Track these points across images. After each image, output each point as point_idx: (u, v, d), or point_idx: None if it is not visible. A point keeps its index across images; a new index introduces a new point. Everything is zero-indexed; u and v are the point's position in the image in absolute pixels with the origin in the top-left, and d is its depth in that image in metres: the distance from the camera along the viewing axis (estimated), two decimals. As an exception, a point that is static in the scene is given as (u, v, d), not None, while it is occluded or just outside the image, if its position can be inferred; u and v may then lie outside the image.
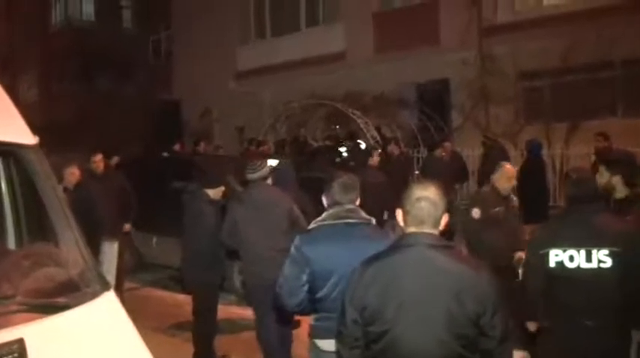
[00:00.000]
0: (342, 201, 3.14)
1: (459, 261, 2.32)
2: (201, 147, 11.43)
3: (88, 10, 24.26)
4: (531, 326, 3.42)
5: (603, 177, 3.66)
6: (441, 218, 2.34)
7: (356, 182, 3.26)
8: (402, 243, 2.36)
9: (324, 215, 3.14)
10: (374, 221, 3.20)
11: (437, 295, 2.22)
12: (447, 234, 8.25)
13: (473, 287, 2.23)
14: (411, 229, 2.34)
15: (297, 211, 4.80)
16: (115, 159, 8.04)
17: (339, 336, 2.40)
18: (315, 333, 3.11)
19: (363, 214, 3.16)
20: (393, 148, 10.25)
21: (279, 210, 4.74)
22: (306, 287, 3.03)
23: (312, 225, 3.18)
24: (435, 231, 2.34)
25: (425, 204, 2.30)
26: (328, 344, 2.91)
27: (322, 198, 3.24)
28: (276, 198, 4.86)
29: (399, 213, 2.40)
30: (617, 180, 3.50)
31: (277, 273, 4.48)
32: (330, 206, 3.17)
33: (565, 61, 11.04)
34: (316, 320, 3.12)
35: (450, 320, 2.20)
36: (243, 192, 5.09)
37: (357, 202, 3.20)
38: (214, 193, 5.29)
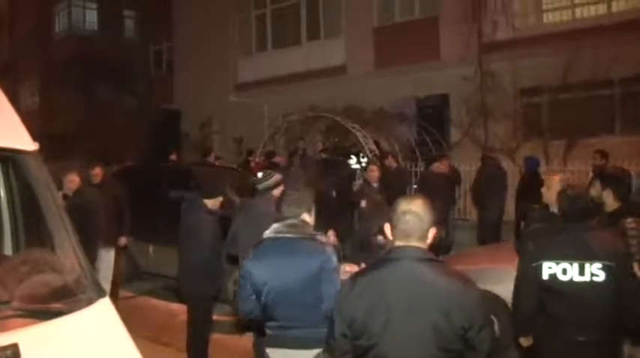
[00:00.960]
0: (288, 216, 3.31)
1: (446, 276, 2.32)
2: (212, 158, 11.48)
3: (91, 19, 24.39)
4: (524, 342, 3.43)
5: (596, 190, 3.77)
6: (427, 231, 2.35)
7: (306, 197, 3.42)
8: (389, 256, 2.37)
9: (269, 229, 3.32)
10: (320, 236, 3.32)
11: (424, 309, 2.22)
12: (444, 248, 8.23)
13: (461, 302, 2.23)
14: (398, 243, 2.36)
15: None
16: (113, 168, 8.05)
17: (328, 349, 2.45)
18: (268, 341, 3.29)
19: (308, 229, 3.31)
20: (390, 162, 10.28)
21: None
22: (253, 297, 3.24)
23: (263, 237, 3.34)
24: (422, 245, 2.35)
25: (410, 218, 2.32)
26: (275, 353, 3.19)
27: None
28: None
29: (387, 227, 2.42)
30: (607, 194, 3.59)
31: None
32: (279, 220, 3.34)
33: (564, 78, 11.10)
34: (266, 328, 3.30)
35: (437, 334, 2.20)
36: (246, 202, 5.11)
37: (308, 217, 3.34)
38: (213, 203, 5.30)
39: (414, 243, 2.33)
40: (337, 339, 2.34)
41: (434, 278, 2.27)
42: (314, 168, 10.09)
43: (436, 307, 2.22)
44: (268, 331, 3.28)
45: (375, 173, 8.26)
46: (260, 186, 5.04)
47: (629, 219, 3.61)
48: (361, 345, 2.28)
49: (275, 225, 3.32)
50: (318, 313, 3.11)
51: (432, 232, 2.37)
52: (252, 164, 11.76)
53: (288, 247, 3.22)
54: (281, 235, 3.27)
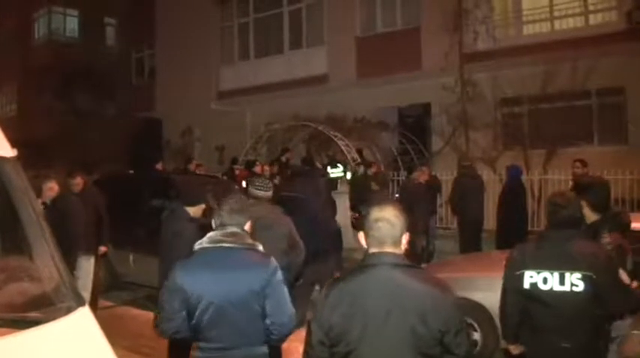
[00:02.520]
0: (227, 224, 3.04)
1: (422, 281, 2.35)
2: (193, 165, 11.41)
3: (71, 26, 24.17)
4: (514, 350, 3.44)
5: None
6: (400, 237, 2.38)
7: (245, 205, 3.21)
8: (365, 263, 2.39)
9: (204, 238, 3.04)
10: (260, 247, 3.08)
11: (401, 314, 2.25)
12: (426, 256, 8.32)
13: (437, 306, 2.27)
14: (373, 250, 2.38)
15: (295, 235, 4.80)
16: (93, 176, 7.96)
17: (305, 357, 2.42)
18: None
19: (248, 239, 3.05)
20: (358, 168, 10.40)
21: (280, 230, 4.73)
22: (182, 314, 2.90)
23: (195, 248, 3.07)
24: (397, 251, 2.37)
25: (383, 225, 2.35)
26: None
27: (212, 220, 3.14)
28: (277, 218, 4.82)
29: (360, 236, 2.44)
30: (583, 205, 3.53)
31: None
32: (215, 228, 3.08)
33: (543, 88, 11.27)
34: (195, 349, 3.01)
35: (415, 339, 2.23)
36: None
37: (247, 226, 3.11)
38: (195, 211, 5.22)
39: (389, 249, 2.36)
40: (314, 346, 2.34)
41: (409, 284, 2.30)
42: (299, 178, 10.10)
43: (413, 312, 2.24)
44: (199, 353, 2.95)
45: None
46: (262, 194, 4.87)
47: (605, 234, 3.53)
48: (340, 352, 2.29)
49: (211, 234, 3.03)
50: (260, 331, 2.92)
51: (405, 238, 2.40)
52: (237, 172, 11.71)
53: (228, 258, 2.93)
54: (220, 245, 2.97)
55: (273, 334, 2.94)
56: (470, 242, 9.16)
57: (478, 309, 5.19)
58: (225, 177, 11.58)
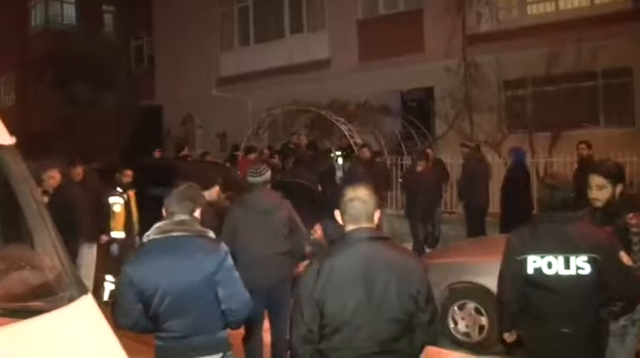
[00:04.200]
0: (176, 212, 3.05)
1: (396, 249, 2.72)
2: (185, 151, 11.37)
3: (69, 13, 23.98)
4: (508, 338, 3.42)
5: (607, 190, 3.52)
6: (373, 214, 2.65)
7: (196, 191, 3.19)
8: (347, 239, 2.64)
9: (152, 229, 3.05)
10: (211, 233, 3.10)
11: (385, 279, 2.52)
12: (432, 241, 8.35)
13: (414, 271, 2.61)
14: (350, 226, 2.64)
15: (297, 219, 4.79)
16: (94, 165, 7.95)
17: (293, 334, 2.58)
18: (157, 354, 3.04)
19: (198, 226, 3.07)
20: (363, 153, 10.32)
21: (281, 215, 4.71)
22: (139, 307, 2.94)
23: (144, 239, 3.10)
24: (371, 225, 2.65)
25: (357, 203, 2.62)
26: None
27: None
28: (277, 203, 4.80)
29: (337, 214, 2.69)
30: (598, 183, 3.45)
31: (271, 279, 4.50)
32: (165, 217, 3.09)
33: (547, 70, 11.15)
34: (156, 339, 3.04)
35: (400, 300, 2.52)
36: (244, 196, 4.99)
37: (197, 213, 3.12)
38: (210, 194, 5.14)
39: (365, 225, 2.62)
40: (306, 322, 2.52)
41: (390, 255, 2.61)
42: (300, 164, 10.09)
43: (394, 275, 2.53)
44: (160, 343, 3.00)
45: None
46: (259, 179, 4.80)
47: (630, 215, 3.42)
48: (332, 324, 2.50)
49: (160, 224, 3.04)
50: (218, 317, 2.97)
51: (377, 214, 2.66)
52: (240, 159, 11.67)
53: (180, 247, 2.95)
54: (170, 234, 2.98)
55: (229, 320, 3.02)
56: (476, 226, 9.14)
57: (485, 293, 5.18)
58: (228, 164, 11.58)
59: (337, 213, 2.68)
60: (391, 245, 2.71)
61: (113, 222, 6.97)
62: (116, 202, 7.02)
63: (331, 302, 2.49)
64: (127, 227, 6.98)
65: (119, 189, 7.10)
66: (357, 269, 2.53)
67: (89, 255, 6.65)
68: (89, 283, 6.03)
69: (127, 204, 7.08)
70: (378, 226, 2.74)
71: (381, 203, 2.78)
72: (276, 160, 11.01)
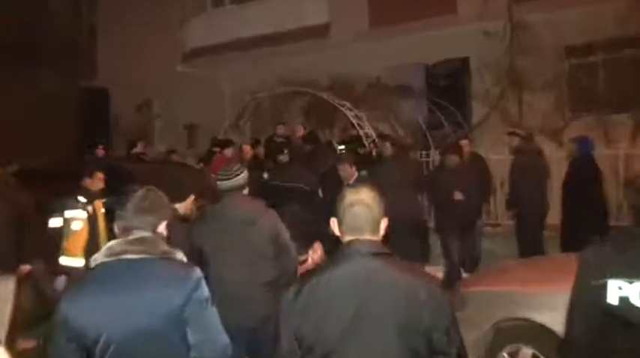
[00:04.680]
0: (132, 227, 2.99)
1: (405, 271, 2.68)
2: (139, 148, 11.32)
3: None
4: None
5: None
6: (379, 222, 2.70)
7: (160, 198, 3.15)
8: (339, 255, 2.69)
9: (102, 250, 2.98)
10: (179, 255, 3.06)
11: (383, 309, 2.55)
12: (471, 262, 8.25)
13: (428, 299, 2.58)
14: (348, 237, 2.68)
15: (285, 234, 4.82)
16: (12, 167, 7.84)
17: None
18: None
19: (162, 246, 3.01)
20: (384, 146, 10.29)
21: (263, 229, 4.76)
22: (77, 353, 2.83)
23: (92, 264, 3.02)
24: (376, 237, 2.69)
25: (359, 209, 2.67)
26: None
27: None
28: (258, 213, 4.85)
29: (333, 223, 2.74)
30: None
31: (254, 319, 4.65)
32: (118, 235, 3.03)
33: (624, 29, 11.04)
34: None
35: (401, 334, 2.52)
36: (213, 207, 5.03)
37: (161, 228, 3.09)
38: (184, 207, 5.18)
39: (367, 237, 2.67)
40: (284, 356, 2.61)
41: (394, 276, 2.62)
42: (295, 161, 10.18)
43: (397, 304, 2.55)
44: None
45: None
46: (229, 184, 4.89)
47: None
48: (316, 354, 2.57)
49: (111, 243, 2.98)
50: None
51: (384, 223, 2.70)
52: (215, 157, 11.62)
53: (135, 273, 2.88)
54: (123, 257, 2.91)
55: None
56: (530, 242, 9.10)
57: (545, 335, 5.07)
58: (202, 165, 11.59)
59: (333, 222, 2.72)
60: (401, 264, 2.71)
61: (67, 243, 6.89)
62: (76, 217, 6.94)
63: (311, 334, 2.57)
64: (90, 252, 6.84)
65: (82, 199, 7.03)
66: (345, 293, 2.57)
67: (4, 291, 6.56)
68: (1, 331, 6.02)
69: (91, 220, 6.98)
70: (385, 239, 2.74)
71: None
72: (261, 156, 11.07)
